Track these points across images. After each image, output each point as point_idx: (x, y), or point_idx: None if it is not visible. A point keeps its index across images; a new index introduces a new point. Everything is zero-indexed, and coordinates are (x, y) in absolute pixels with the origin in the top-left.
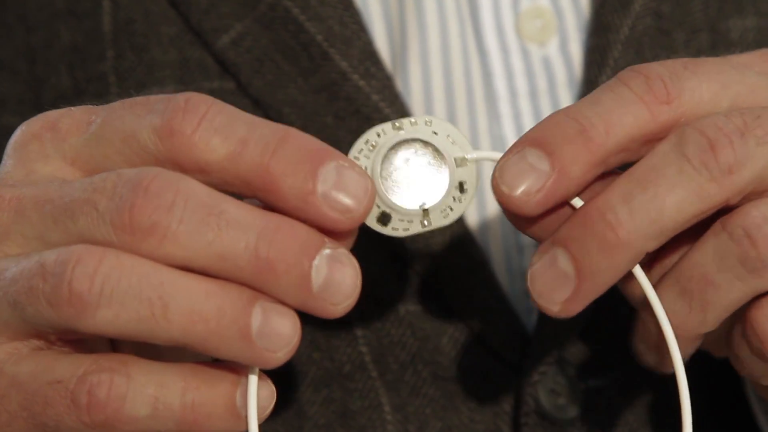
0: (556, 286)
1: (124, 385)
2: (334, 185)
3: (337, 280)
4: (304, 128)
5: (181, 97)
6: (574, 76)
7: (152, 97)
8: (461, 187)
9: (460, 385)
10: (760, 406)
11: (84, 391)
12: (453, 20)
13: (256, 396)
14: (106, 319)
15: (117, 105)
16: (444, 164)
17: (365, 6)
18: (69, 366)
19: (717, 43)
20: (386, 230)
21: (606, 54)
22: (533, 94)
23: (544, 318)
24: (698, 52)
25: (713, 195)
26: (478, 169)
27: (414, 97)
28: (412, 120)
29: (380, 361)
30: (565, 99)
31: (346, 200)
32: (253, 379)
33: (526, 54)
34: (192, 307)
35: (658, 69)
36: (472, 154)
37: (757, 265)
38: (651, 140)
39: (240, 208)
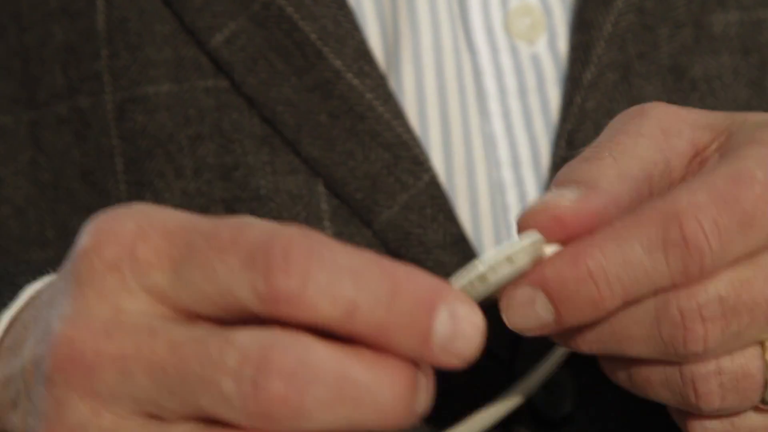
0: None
1: None
2: (451, 337)
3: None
4: (298, 127)
5: (278, 248)
6: (563, 74)
7: (241, 237)
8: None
9: (452, 382)
10: None
11: None
12: (444, 18)
13: None
14: None
15: (200, 242)
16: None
17: (358, 5)
18: None
19: (700, 37)
20: None
21: (589, 51)
22: (522, 92)
23: None
24: (682, 47)
25: (674, 359)
26: None
27: (407, 96)
28: (524, 245)
29: None
30: (554, 97)
31: (461, 348)
32: None
33: (515, 52)
34: None
35: (706, 231)
36: (548, 252)
37: (695, 410)
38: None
39: (367, 369)
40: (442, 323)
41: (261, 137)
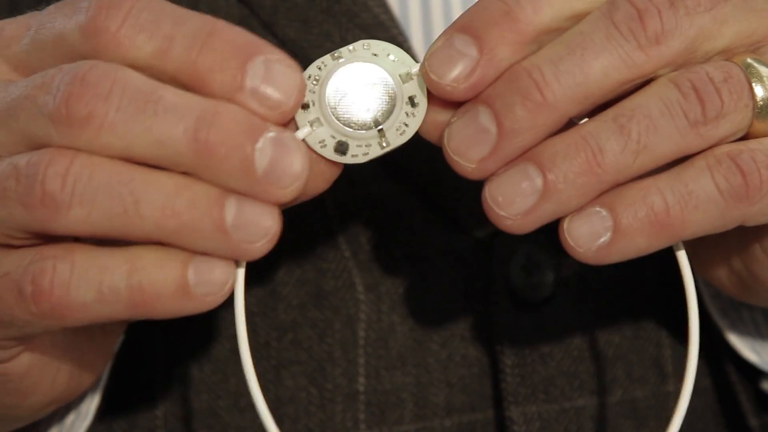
0: (474, 143)
1: (67, 271)
2: (263, 80)
3: (283, 163)
4: (274, 8)
5: None
6: None
7: None
8: (412, 101)
9: (432, 265)
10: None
11: (28, 280)
12: None
13: (213, 274)
14: (78, 217)
15: (51, 8)
16: (390, 83)
17: None
18: (16, 258)
19: None
20: (346, 159)
21: None
22: None
23: None
24: None
25: (640, 64)
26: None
27: None
28: (351, 48)
29: (353, 241)
30: None
31: (275, 95)
32: (241, 272)
33: None
34: (164, 202)
35: None
36: (415, 68)
37: (700, 119)
38: (583, 16)
39: (179, 94)
40: (255, 70)
41: (238, 18)
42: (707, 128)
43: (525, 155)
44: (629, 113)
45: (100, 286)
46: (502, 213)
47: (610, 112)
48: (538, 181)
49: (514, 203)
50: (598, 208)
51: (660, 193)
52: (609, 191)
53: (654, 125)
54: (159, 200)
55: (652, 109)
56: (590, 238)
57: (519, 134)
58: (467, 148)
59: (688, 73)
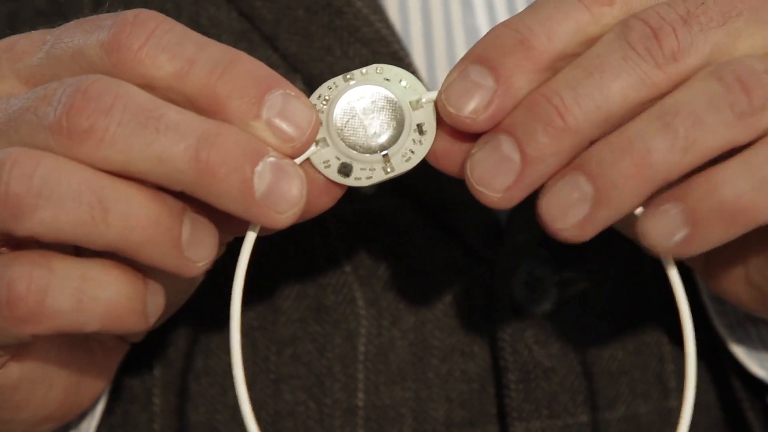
0: (498, 173)
1: (45, 277)
2: (279, 113)
3: (281, 188)
4: (276, 22)
5: (131, 13)
6: None
7: (103, 15)
8: (420, 129)
9: (433, 280)
10: (715, 307)
11: (3, 285)
12: None
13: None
14: (44, 220)
15: (70, 24)
16: (399, 109)
17: None
18: None
19: None
20: (349, 181)
21: None
22: None
23: (516, 211)
24: None
25: (658, 82)
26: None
27: None
28: (363, 71)
29: (354, 256)
30: None
31: (289, 129)
32: (237, 292)
33: None
34: (131, 213)
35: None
36: (426, 96)
37: (746, 110)
38: (596, 40)
39: (181, 113)
40: (272, 102)
41: (239, 32)
42: (755, 119)
43: (572, 165)
44: (674, 110)
45: (80, 294)
46: (558, 226)
47: (654, 111)
48: (589, 190)
49: (567, 215)
50: (669, 205)
51: (730, 183)
52: (677, 185)
53: (700, 120)
54: (127, 211)
55: (697, 104)
56: (666, 237)
57: (543, 161)
58: (491, 178)
59: (731, 65)
